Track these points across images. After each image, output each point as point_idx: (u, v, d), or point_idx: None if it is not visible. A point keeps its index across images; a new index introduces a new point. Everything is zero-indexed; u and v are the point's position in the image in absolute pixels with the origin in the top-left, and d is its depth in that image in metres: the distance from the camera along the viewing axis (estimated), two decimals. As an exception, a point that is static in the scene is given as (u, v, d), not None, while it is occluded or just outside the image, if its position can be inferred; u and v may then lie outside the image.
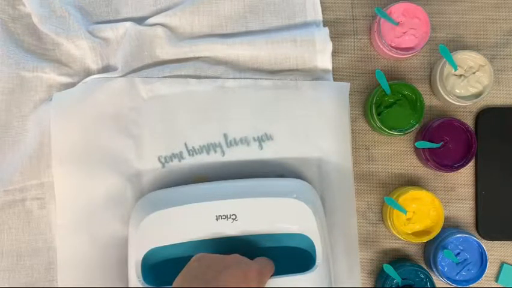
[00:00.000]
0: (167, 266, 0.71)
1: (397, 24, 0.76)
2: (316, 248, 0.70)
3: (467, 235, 0.76)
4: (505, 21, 0.82)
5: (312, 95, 0.79)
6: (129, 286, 0.71)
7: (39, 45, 0.82)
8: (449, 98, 0.76)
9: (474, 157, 0.79)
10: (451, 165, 0.77)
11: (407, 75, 0.82)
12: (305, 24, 0.81)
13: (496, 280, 0.80)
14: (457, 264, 0.76)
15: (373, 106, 0.76)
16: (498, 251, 0.80)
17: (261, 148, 0.79)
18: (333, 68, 0.81)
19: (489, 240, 0.80)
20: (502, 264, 0.80)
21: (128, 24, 0.80)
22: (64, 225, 0.78)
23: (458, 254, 0.76)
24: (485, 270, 0.75)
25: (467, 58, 0.77)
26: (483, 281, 0.77)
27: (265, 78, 0.80)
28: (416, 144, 0.76)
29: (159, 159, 0.79)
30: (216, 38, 0.81)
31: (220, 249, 0.68)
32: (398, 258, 0.80)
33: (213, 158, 0.79)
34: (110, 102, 0.79)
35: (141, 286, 0.69)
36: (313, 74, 0.80)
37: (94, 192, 0.78)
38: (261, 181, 0.75)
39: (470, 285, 0.76)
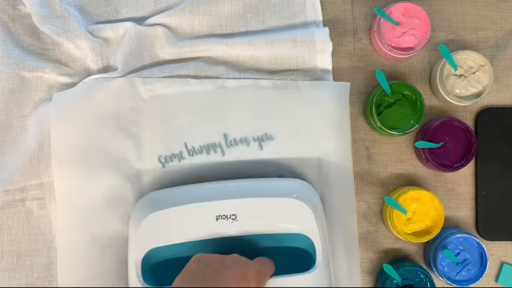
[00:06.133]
0: (167, 266, 0.71)
1: (397, 24, 0.76)
2: (316, 248, 0.70)
3: (467, 235, 0.76)
4: (505, 21, 0.82)
5: (312, 95, 0.79)
6: (129, 286, 0.71)
7: (39, 45, 0.82)
8: (449, 98, 0.76)
9: (474, 157, 0.79)
10: (451, 165, 0.77)
11: (407, 75, 0.82)
12: (305, 24, 0.81)
13: (496, 280, 0.80)
14: (457, 264, 0.76)
15: (373, 106, 0.76)
16: (498, 251, 0.80)
17: (261, 148, 0.79)
18: (333, 68, 0.81)
19: (489, 240, 0.80)
20: (502, 264, 0.80)
21: (128, 24, 0.80)
22: (64, 225, 0.78)
23: (458, 254, 0.76)
24: (485, 270, 0.75)
25: (467, 58, 0.77)
26: (483, 281, 0.77)
27: (265, 78, 0.80)
28: (416, 144, 0.76)
29: (159, 159, 0.79)
30: (216, 38, 0.81)
31: (220, 249, 0.68)
32: (398, 258, 0.80)
33: (213, 158, 0.79)
34: (110, 102, 0.79)
35: (141, 286, 0.69)
36: (313, 74, 0.80)
37: (94, 192, 0.78)
38: (261, 181, 0.75)
39: (470, 285, 0.76)
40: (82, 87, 0.80)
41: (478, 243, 0.76)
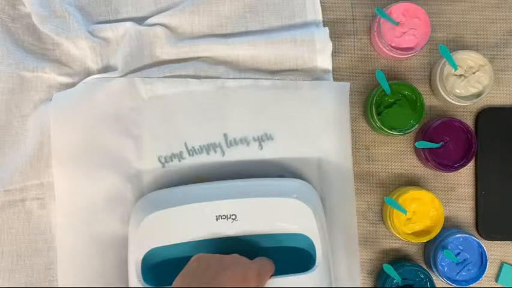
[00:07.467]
0: (167, 266, 0.71)
1: (397, 24, 0.76)
2: (316, 248, 0.70)
3: (467, 235, 0.76)
4: (505, 21, 0.82)
5: (312, 95, 0.79)
6: (129, 286, 0.71)
7: (39, 45, 0.82)
8: (449, 98, 0.76)
9: (474, 157, 0.79)
10: (451, 165, 0.77)
11: (407, 75, 0.82)
12: (305, 24, 0.81)
13: (496, 280, 0.80)
14: (457, 264, 0.76)
15: (373, 106, 0.76)
16: (498, 251, 0.80)
17: (261, 148, 0.79)
18: (333, 68, 0.81)
19: (489, 240, 0.80)
20: (502, 264, 0.80)
21: (128, 24, 0.80)
22: (64, 225, 0.78)
23: (458, 254, 0.76)
24: (485, 270, 0.75)
25: (467, 58, 0.77)
26: (483, 281, 0.77)
27: (265, 78, 0.80)
28: (416, 144, 0.76)
29: (159, 159, 0.79)
30: (216, 38, 0.81)
31: (220, 249, 0.68)
32: (398, 258, 0.80)
33: (213, 158, 0.79)
34: (110, 102, 0.79)
35: (141, 286, 0.69)
36: (313, 74, 0.80)
37: (94, 192, 0.78)
38: (261, 181, 0.75)
39: (470, 285, 0.76)
40: (82, 87, 0.80)
41: (478, 243, 0.76)
